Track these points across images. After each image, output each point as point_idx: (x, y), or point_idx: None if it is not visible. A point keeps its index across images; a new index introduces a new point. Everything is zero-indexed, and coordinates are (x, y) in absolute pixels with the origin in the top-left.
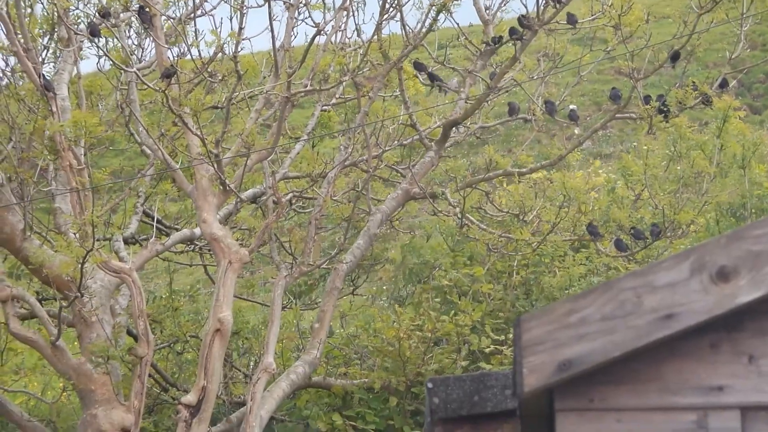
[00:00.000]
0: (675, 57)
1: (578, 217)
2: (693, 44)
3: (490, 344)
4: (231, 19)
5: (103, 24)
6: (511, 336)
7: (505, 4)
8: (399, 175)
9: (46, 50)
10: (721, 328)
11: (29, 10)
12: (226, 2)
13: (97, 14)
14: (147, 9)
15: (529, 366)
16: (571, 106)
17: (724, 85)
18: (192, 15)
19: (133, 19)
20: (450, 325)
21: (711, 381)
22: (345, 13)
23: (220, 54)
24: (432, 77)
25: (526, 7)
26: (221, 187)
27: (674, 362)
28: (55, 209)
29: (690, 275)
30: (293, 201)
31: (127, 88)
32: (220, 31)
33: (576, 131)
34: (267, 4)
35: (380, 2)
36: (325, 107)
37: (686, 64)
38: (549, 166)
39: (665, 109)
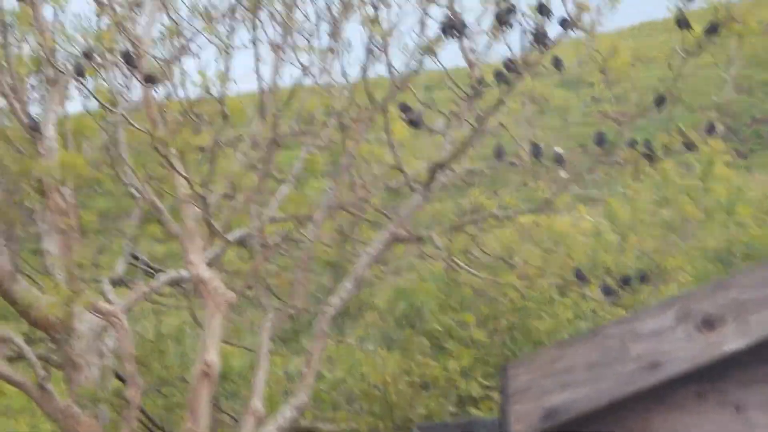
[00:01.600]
0: (661, 101)
1: (565, 262)
2: (679, 88)
3: (480, 389)
4: (217, 61)
5: (90, 64)
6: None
7: (491, 48)
8: (385, 217)
9: (33, 90)
10: (707, 378)
11: (16, 50)
12: (212, 43)
13: (83, 55)
14: (134, 51)
15: (516, 414)
16: (557, 150)
17: (710, 129)
18: (178, 55)
19: (119, 59)
20: (438, 370)
21: (698, 431)
22: (331, 55)
23: (206, 95)
24: (414, 123)
25: (511, 50)
26: (208, 229)
27: (661, 411)
28: (43, 250)
29: (675, 323)
30: (280, 243)
31: (113, 128)
32: (207, 73)
33: (562, 174)
34: (253, 45)
35: (366, 45)
36: (311, 149)
37: (672, 107)
38: (535, 210)
39: (651, 153)
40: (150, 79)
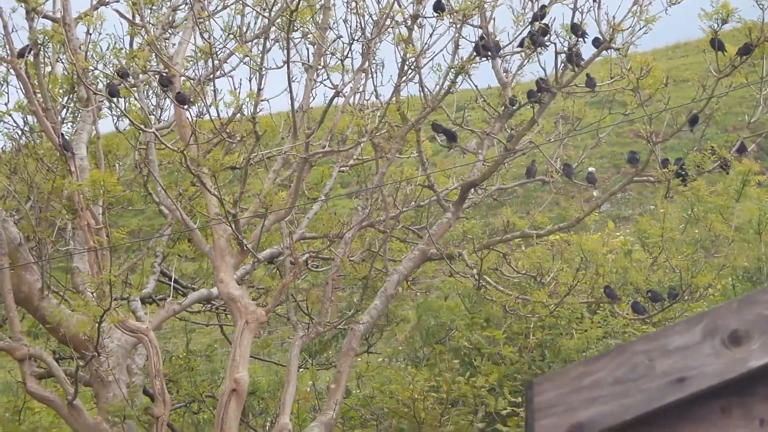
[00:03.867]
0: (694, 121)
1: (595, 280)
2: (712, 108)
3: (507, 406)
4: (250, 80)
5: (122, 84)
6: None
7: (523, 67)
8: (416, 235)
9: (65, 109)
10: (733, 393)
11: (49, 68)
12: (245, 64)
13: (116, 74)
14: (166, 71)
15: (541, 429)
16: (590, 169)
17: (742, 149)
18: (211, 76)
19: (151, 79)
20: (466, 387)
21: None
22: (363, 75)
23: (238, 114)
24: (449, 135)
25: (544, 70)
26: (238, 247)
27: (686, 426)
28: (73, 268)
29: (702, 339)
30: (310, 261)
31: (145, 147)
32: (239, 92)
33: (594, 194)
34: (286, 65)
35: (399, 64)
36: (342, 168)
37: (705, 127)
38: (566, 229)
39: (683, 172)
40: (183, 100)
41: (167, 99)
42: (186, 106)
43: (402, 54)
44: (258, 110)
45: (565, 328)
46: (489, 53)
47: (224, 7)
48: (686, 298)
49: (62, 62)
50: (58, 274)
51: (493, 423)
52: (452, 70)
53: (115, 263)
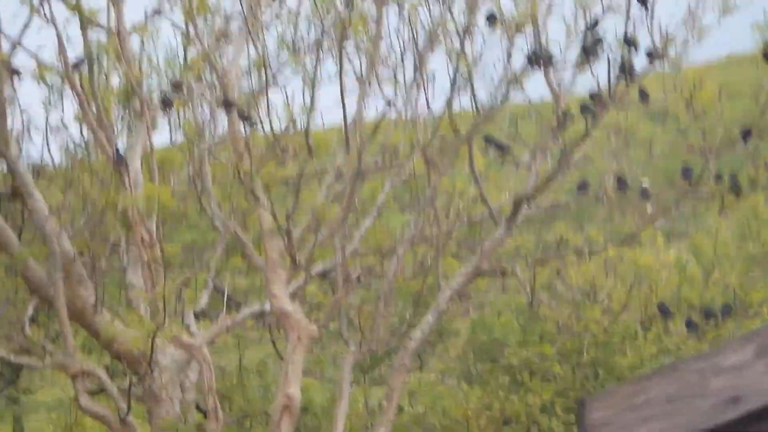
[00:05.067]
0: (747, 134)
1: (649, 296)
2: (766, 121)
3: (560, 425)
4: (303, 93)
5: (177, 95)
6: None
7: (576, 80)
8: (468, 251)
9: (119, 122)
10: None
11: (104, 81)
12: (298, 75)
13: (171, 86)
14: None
15: None
16: (644, 183)
17: None
18: (265, 88)
19: (206, 91)
20: (520, 405)
21: None
22: (416, 87)
23: (291, 128)
24: (501, 148)
25: (597, 83)
26: (291, 262)
27: None
28: (127, 283)
29: (755, 357)
30: (362, 277)
31: (199, 161)
32: (292, 105)
33: (648, 208)
34: (339, 79)
35: (451, 76)
36: (395, 182)
37: (759, 141)
38: (620, 244)
39: (737, 187)
40: (242, 116)
41: (221, 112)
42: (246, 124)
43: (454, 66)
44: (311, 124)
45: (618, 345)
46: (542, 64)
47: (277, 18)
48: (740, 314)
49: (117, 74)
50: (112, 289)
51: None
52: (505, 81)
53: (169, 278)
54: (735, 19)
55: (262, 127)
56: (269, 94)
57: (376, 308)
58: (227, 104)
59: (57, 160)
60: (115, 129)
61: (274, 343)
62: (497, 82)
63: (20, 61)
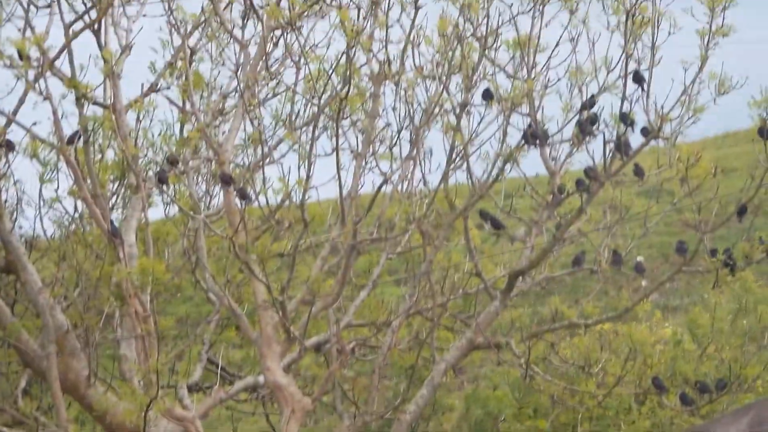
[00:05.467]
0: (742, 210)
1: (644, 370)
2: (761, 197)
3: None
4: (299, 168)
5: (172, 171)
6: None
7: (571, 156)
8: (463, 324)
9: (115, 196)
10: None
11: (99, 155)
12: (294, 151)
13: (166, 161)
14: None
15: None
16: (638, 258)
17: None
18: (260, 163)
19: (202, 166)
20: None
21: None
22: (412, 162)
23: (287, 202)
24: (496, 224)
25: (592, 158)
26: (285, 335)
27: None
28: (120, 356)
29: (749, 431)
30: (357, 349)
31: (194, 234)
32: (288, 179)
33: (643, 283)
34: (335, 153)
35: (447, 152)
36: (390, 255)
37: (754, 217)
38: (615, 319)
39: (732, 263)
40: (243, 194)
41: (216, 186)
42: (245, 201)
43: (450, 142)
44: (306, 197)
45: (612, 419)
46: (537, 141)
47: (274, 95)
48: (734, 389)
49: (112, 149)
50: (106, 361)
51: None
52: (500, 157)
53: (163, 351)
54: (731, 95)
55: (258, 201)
56: (265, 169)
57: (371, 381)
58: (225, 181)
59: (50, 232)
60: (110, 203)
61: (267, 416)
62: (493, 158)
63: (15, 136)
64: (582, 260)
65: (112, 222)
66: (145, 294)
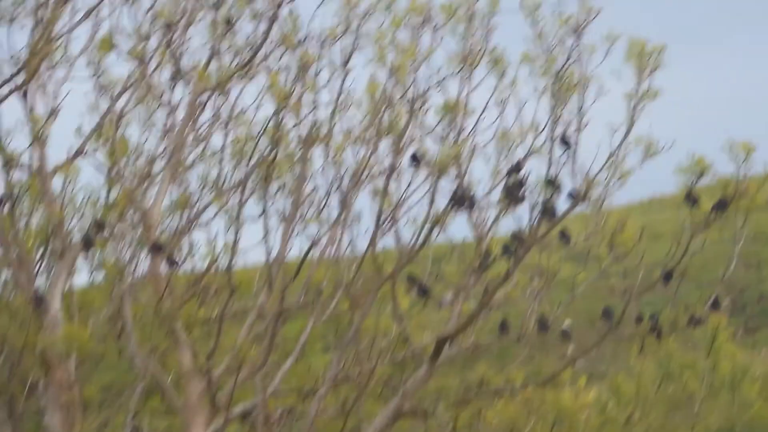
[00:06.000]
0: (668, 276)
1: None
2: (686, 263)
3: None
4: (227, 232)
5: (98, 236)
6: None
7: (498, 220)
8: (391, 391)
9: (40, 262)
10: None
11: (25, 220)
12: (222, 215)
13: (91, 226)
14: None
15: None
16: (565, 324)
17: (716, 305)
18: (188, 228)
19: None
20: None
21: None
22: (340, 226)
23: (214, 267)
24: (422, 291)
25: (519, 223)
26: (211, 403)
27: None
28: (45, 426)
29: None
30: (283, 417)
31: (119, 301)
32: (215, 244)
33: (569, 349)
34: (263, 217)
35: (375, 216)
36: (318, 321)
37: (679, 283)
38: (541, 384)
39: (657, 328)
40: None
41: (142, 251)
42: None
43: (378, 206)
44: (234, 262)
45: None
46: (465, 206)
47: (202, 159)
48: None
49: (37, 214)
50: (30, 430)
51: None
52: (428, 222)
53: (88, 419)
54: (658, 161)
55: (185, 266)
56: (192, 233)
57: None
58: (155, 249)
59: None
60: (36, 268)
61: None
62: (421, 222)
63: None
64: (507, 326)
65: (36, 288)
66: (70, 362)
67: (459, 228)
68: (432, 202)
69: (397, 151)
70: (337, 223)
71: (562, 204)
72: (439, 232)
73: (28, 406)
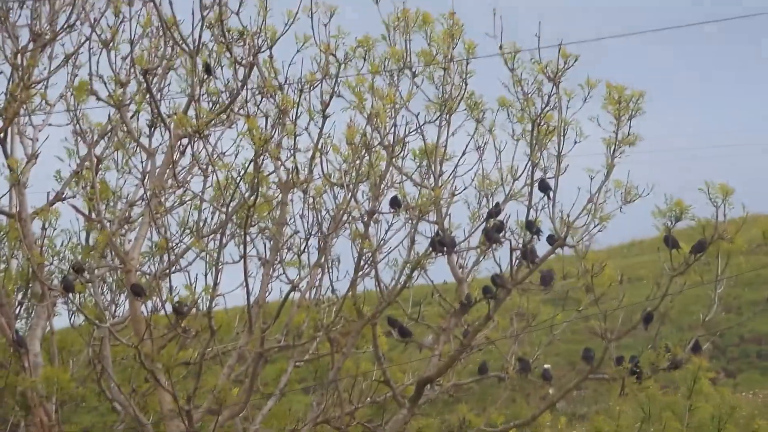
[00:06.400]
0: (648, 319)
1: None
2: (666, 306)
3: None
4: (206, 275)
5: (78, 279)
6: None
7: (478, 263)
8: None
9: (20, 305)
10: None
11: (4, 265)
12: (201, 258)
13: (71, 269)
14: (123, 264)
15: None
16: (545, 366)
17: (697, 348)
18: (167, 271)
19: (107, 274)
20: None
21: None
22: (320, 269)
23: (194, 310)
24: (403, 332)
25: (499, 266)
26: None
27: None
28: None
29: None
30: None
31: (99, 343)
32: (195, 287)
33: (550, 391)
34: (242, 260)
35: (355, 259)
36: (298, 363)
37: (660, 325)
38: (521, 426)
39: (638, 370)
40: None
41: (122, 294)
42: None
43: (358, 249)
44: (213, 305)
45: None
46: (445, 249)
47: (181, 203)
48: None
49: (17, 258)
50: None
51: None
52: (408, 265)
53: None
54: (637, 205)
55: (164, 308)
56: (172, 277)
57: None
58: (136, 293)
59: None
60: (15, 312)
61: None
62: (401, 265)
63: None
64: (487, 368)
65: (17, 331)
66: (51, 403)
67: (439, 271)
68: (412, 245)
69: (376, 195)
70: (317, 266)
71: (541, 247)
72: (418, 275)
73: None
